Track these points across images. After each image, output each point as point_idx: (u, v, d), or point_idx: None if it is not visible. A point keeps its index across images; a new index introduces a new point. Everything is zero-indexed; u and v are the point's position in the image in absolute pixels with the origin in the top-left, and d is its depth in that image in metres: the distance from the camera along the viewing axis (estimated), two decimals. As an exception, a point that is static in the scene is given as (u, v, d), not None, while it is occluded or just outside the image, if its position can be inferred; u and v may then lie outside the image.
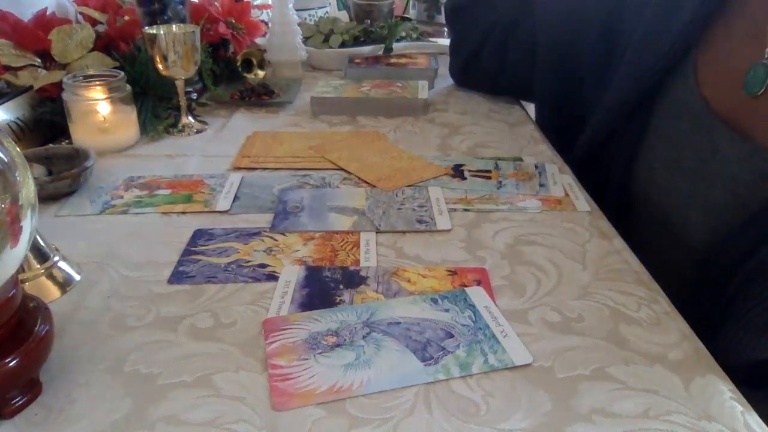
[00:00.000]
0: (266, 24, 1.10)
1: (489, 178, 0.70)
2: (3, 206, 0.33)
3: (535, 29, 0.85)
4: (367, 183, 0.68)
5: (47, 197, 0.63)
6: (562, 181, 0.69)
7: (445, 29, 1.28)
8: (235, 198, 0.65)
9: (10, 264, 0.35)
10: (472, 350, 0.43)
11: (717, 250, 0.59)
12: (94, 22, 0.89)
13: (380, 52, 1.13)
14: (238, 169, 0.72)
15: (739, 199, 0.58)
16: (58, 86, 0.75)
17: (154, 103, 0.83)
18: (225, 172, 0.71)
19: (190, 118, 0.84)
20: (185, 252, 0.55)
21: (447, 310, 0.47)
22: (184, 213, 0.62)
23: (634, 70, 0.68)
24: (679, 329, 0.46)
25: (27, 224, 0.35)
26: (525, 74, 0.88)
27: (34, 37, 0.79)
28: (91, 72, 0.76)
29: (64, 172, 0.64)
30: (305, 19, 1.28)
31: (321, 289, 0.50)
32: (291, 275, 0.52)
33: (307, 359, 0.42)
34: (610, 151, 0.72)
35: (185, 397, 0.39)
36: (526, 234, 0.59)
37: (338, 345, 0.44)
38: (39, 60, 0.80)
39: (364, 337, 0.44)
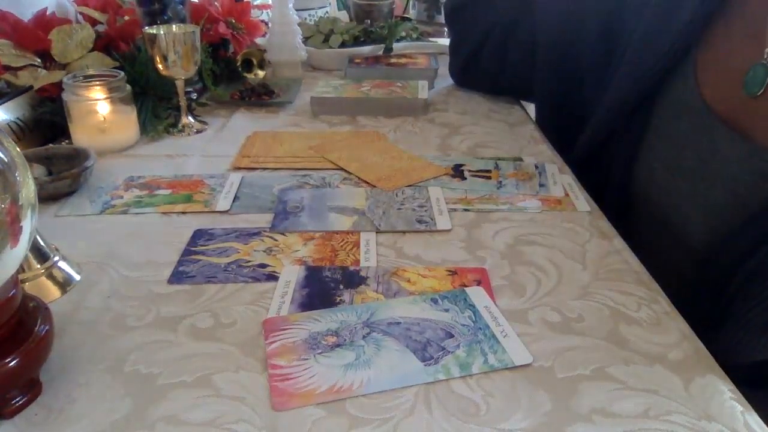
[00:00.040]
0: (266, 24, 1.10)
1: (489, 178, 0.70)
2: (3, 206, 0.33)
3: (535, 29, 0.85)
4: (367, 183, 0.68)
5: (47, 197, 0.63)
6: (562, 181, 0.69)
7: (445, 29, 1.28)
8: (235, 198, 0.65)
9: (10, 264, 0.35)
10: (472, 350, 0.43)
11: (717, 250, 0.59)
12: (94, 22, 0.89)
13: (380, 52, 1.14)
14: (238, 169, 0.72)
15: (739, 199, 0.58)
16: (58, 86, 0.75)
17: (154, 103, 0.83)
18: (225, 172, 0.71)
19: (190, 118, 0.84)
20: (185, 252, 0.55)
21: (447, 310, 0.47)
22: (184, 213, 0.62)
23: (634, 70, 0.68)
24: (679, 329, 0.46)
25: (27, 224, 0.35)
26: (525, 74, 0.88)
27: (34, 37, 0.79)
28: (91, 72, 0.76)
29: (64, 172, 0.64)
30: (305, 19, 1.28)
31: (321, 289, 0.50)
32: (291, 275, 0.52)
33: (307, 359, 0.42)
34: (610, 151, 0.72)
35: (185, 397, 0.39)
36: (526, 234, 0.59)
37: (338, 345, 0.44)
38: (39, 60, 0.80)
39: (364, 337, 0.44)
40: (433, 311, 0.47)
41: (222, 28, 0.98)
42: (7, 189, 0.34)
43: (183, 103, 0.82)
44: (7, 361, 0.36)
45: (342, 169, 0.72)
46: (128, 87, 0.77)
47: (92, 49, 0.83)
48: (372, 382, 0.40)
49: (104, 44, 0.85)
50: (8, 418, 0.38)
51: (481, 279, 0.51)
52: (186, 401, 0.39)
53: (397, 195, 0.65)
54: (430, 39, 1.24)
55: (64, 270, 0.51)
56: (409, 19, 1.34)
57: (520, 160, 0.75)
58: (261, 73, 1.00)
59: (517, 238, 0.58)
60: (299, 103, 0.94)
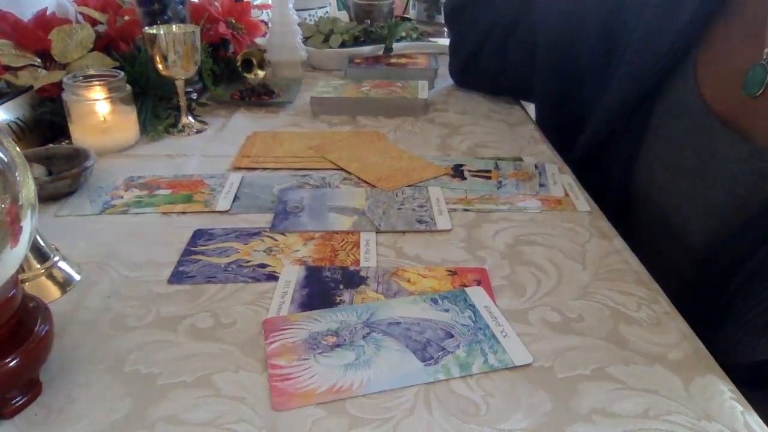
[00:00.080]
0: (266, 24, 1.10)
1: (489, 178, 0.70)
2: (3, 206, 0.33)
3: (535, 29, 0.85)
4: (367, 183, 0.68)
5: (47, 197, 0.63)
6: (562, 181, 0.69)
7: (445, 29, 1.28)
8: (235, 198, 0.65)
9: (10, 264, 0.35)
10: (472, 350, 0.43)
11: (717, 250, 0.59)
12: (94, 22, 0.89)
13: (380, 52, 1.13)
14: (238, 169, 0.72)
15: (739, 200, 0.58)
16: (58, 86, 0.75)
17: (154, 103, 0.83)
18: (225, 172, 0.71)
19: (190, 118, 0.84)
20: (185, 252, 0.55)
21: (447, 310, 0.47)
22: (184, 213, 0.62)
23: (634, 70, 0.68)
24: (679, 329, 0.46)
25: (27, 224, 0.35)
26: (525, 74, 0.88)
27: (34, 37, 0.79)
28: (91, 72, 0.76)
29: (64, 172, 0.64)
30: (305, 19, 1.28)
31: (321, 289, 0.50)
32: (291, 275, 0.52)
33: (307, 359, 0.42)
34: (610, 151, 0.72)
35: (185, 397, 0.39)
36: (526, 234, 0.59)
37: (338, 345, 0.44)
38: (39, 60, 0.80)
39: (364, 337, 0.44)
40: (433, 311, 0.47)
41: (222, 28, 0.98)
42: (7, 189, 0.34)
43: (183, 103, 0.82)
44: (7, 361, 0.36)
45: (342, 169, 0.72)
46: (128, 87, 0.77)
47: (92, 49, 0.83)
48: (372, 382, 0.40)
49: (104, 44, 0.85)
50: (8, 418, 0.38)
51: (481, 279, 0.51)
52: (186, 401, 0.39)
53: (397, 195, 0.65)
54: (430, 39, 1.24)
55: (64, 270, 0.51)
56: (409, 19, 1.34)
57: (520, 160, 0.75)
58: (261, 73, 1.00)
59: (517, 238, 0.58)
60: (299, 103, 0.94)
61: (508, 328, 0.45)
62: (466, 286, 0.50)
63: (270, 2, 1.10)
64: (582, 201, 0.65)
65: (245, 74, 0.99)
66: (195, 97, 0.91)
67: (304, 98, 0.94)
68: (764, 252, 0.54)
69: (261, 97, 0.94)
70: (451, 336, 0.44)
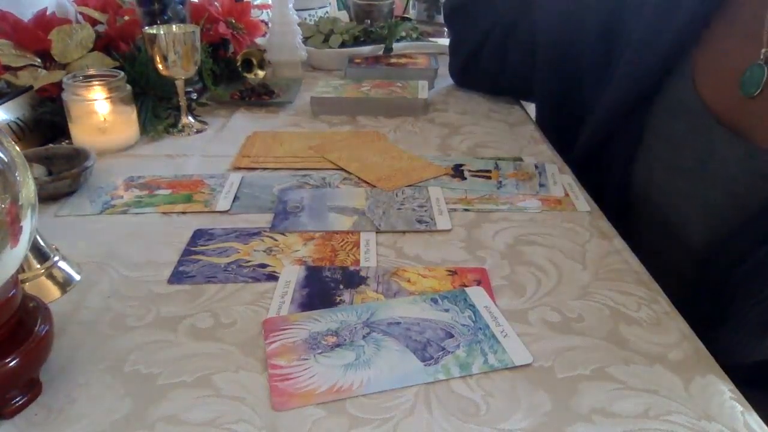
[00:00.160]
0: (266, 24, 1.10)
1: (489, 178, 0.70)
2: (3, 206, 0.33)
3: (535, 29, 0.85)
4: (367, 183, 0.68)
5: (47, 197, 0.63)
6: (562, 181, 0.69)
7: (445, 29, 1.28)
8: (235, 198, 0.65)
9: (10, 264, 0.35)
10: (472, 350, 0.43)
11: (717, 250, 0.59)
12: (94, 22, 0.89)
13: (380, 52, 1.13)
14: (238, 169, 0.72)
15: (738, 200, 0.58)
16: (58, 86, 0.75)
17: (154, 103, 0.83)
18: (225, 172, 0.71)
19: (190, 118, 0.84)
20: (185, 252, 0.55)
21: (447, 310, 0.47)
22: (184, 213, 0.62)
23: (633, 70, 0.68)
24: (679, 329, 0.46)
25: (27, 224, 0.35)
26: (525, 74, 0.88)
27: (34, 37, 0.79)
28: (91, 72, 0.76)
29: (64, 172, 0.64)
30: (305, 19, 1.28)
31: (321, 289, 0.50)
32: (291, 275, 0.52)
33: (307, 359, 0.42)
34: (609, 152, 0.72)
35: (185, 397, 0.39)
36: (526, 234, 0.59)
37: (338, 345, 0.44)
38: (39, 60, 0.80)
39: (364, 337, 0.44)
40: (433, 311, 0.47)
41: (222, 28, 0.98)
42: (7, 189, 0.34)
43: (183, 103, 0.82)
44: (7, 361, 0.36)
45: (342, 169, 0.72)
46: (128, 87, 0.77)
47: (92, 49, 0.83)
48: (372, 382, 0.40)
49: (104, 44, 0.85)
50: (8, 418, 0.38)
51: (481, 279, 0.51)
52: (186, 401, 0.39)
53: (397, 195, 0.65)
54: (430, 39, 1.24)
55: (64, 270, 0.51)
56: (409, 19, 1.34)
57: (520, 160, 0.75)
58: (261, 73, 1.00)
59: (517, 238, 0.58)
60: (299, 103, 0.94)
61: (508, 328, 0.45)
62: (466, 286, 0.50)
63: (270, 2, 1.10)
64: (582, 201, 0.65)
65: (245, 74, 0.99)
66: (195, 97, 0.91)
67: (304, 98, 0.94)
68: (764, 251, 0.54)
69: (261, 97, 0.94)
70: (451, 336, 0.44)
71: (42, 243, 0.50)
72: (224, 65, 0.99)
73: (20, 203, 0.35)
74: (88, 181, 0.67)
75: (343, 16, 1.38)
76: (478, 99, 0.96)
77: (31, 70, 0.78)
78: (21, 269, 0.47)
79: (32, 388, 0.39)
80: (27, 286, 0.48)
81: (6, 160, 0.35)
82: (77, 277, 0.51)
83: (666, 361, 0.43)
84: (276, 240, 0.57)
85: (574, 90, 0.80)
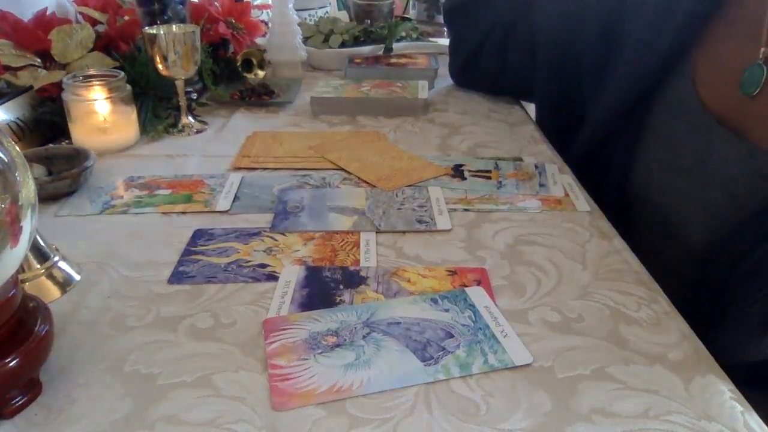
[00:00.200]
0: (266, 24, 1.10)
1: (489, 178, 0.70)
2: (3, 206, 0.33)
3: (535, 29, 0.85)
4: (367, 183, 0.68)
5: (47, 197, 0.63)
6: (562, 181, 0.69)
7: (445, 29, 1.28)
8: (235, 198, 0.65)
9: (10, 264, 0.35)
10: (472, 350, 0.43)
11: (717, 250, 0.59)
12: (94, 22, 0.89)
13: (380, 52, 1.13)
14: (238, 169, 0.72)
15: (737, 200, 0.58)
16: (58, 86, 0.75)
17: (154, 103, 0.83)
18: (225, 172, 0.71)
19: (190, 118, 0.84)
20: (185, 252, 0.55)
21: (447, 310, 0.47)
22: (184, 213, 0.62)
23: (632, 69, 0.68)
24: (679, 329, 0.46)
25: (27, 224, 0.35)
26: (525, 74, 0.88)
27: (34, 37, 0.79)
28: (91, 72, 0.76)
29: (64, 172, 0.64)
30: (305, 19, 1.28)
31: (321, 289, 0.50)
32: (291, 275, 0.52)
33: (307, 359, 0.42)
34: (608, 152, 0.72)
35: (185, 397, 0.39)
36: (526, 234, 0.59)
37: (338, 345, 0.44)
38: (39, 60, 0.80)
39: (364, 337, 0.44)
40: (433, 311, 0.47)
41: (222, 28, 0.98)
42: (7, 189, 0.34)
43: (183, 103, 0.82)
44: (7, 361, 0.36)
45: (342, 169, 0.72)
46: (128, 87, 0.77)
47: (92, 49, 0.83)
48: (372, 382, 0.40)
49: (104, 44, 0.85)
50: (8, 418, 0.38)
51: (481, 279, 0.51)
52: (186, 401, 0.39)
53: (397, 195, 0.65)
54: (430, 39, 1.24)
55: (64, 270, 0.51)
56: (409, 19, 1.34)
57: (520, 160, 0.75)
58: (261, 73, 1.00)
59: (517, 238, 0.58)
60: (299, 103, 0.94)
61: (508, 328, 0.45)
62: (466, 286, 0.50)
63: (270, 2, 1.10)
64: (582, 201, 0.65)
65: (245, 74, 0.99)
66: (195, 97, 0.91)
67: (304, 98, 0.94)
68: (763, 250, 0.54)
69: (261, 97, 0.94)
70: (451, 336, 0.44)
71: (42, 243, 0.50)
72: (224, 65, 0.99)
73: (20, 203, 0.35)
74: (88, 181, 0.67)
75: (343, 16, 1.38)
76: (478, 99, 0.96)
77: (31, 70, 0.78)
78: (21, 269, 0.47)
79: (32, 388, 0.39)
80: (27, 286, 0.48)
81: (6, 160, 0.35)
82: (77, 277, 0.51)
83: (666, 361, 0.43)
84: (276, 240, 0.57)
85: (574, 90, 0.80)
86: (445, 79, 1.04)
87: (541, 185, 0.68)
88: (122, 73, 0.76)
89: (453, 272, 0.52)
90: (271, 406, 0.39)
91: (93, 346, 0.44)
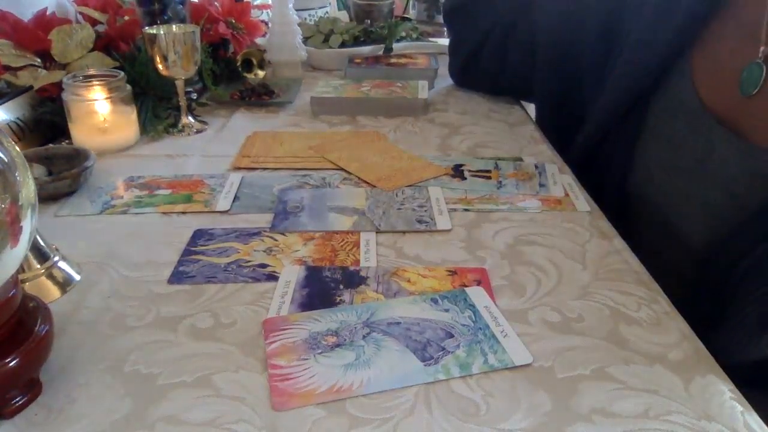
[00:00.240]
0: (266, 24, 1.10)
1: (489, 178, 0.70)
2: (3, 206, 0.33)
3: (535, 29, 0.85)
4: (367, 183, 0.68)
5: (47, 197, 0.63)
6: (562, 181, 0.69)
7: (445, 29, 1.28)
8: (235, 198, 0.65)
9: (10, 264, 0.35)
10: (472, 350, 0.43)
11: (716, 250, 0.59)
12: (94, 22, 0.89)
13: (380, 52, 1.13)
14: (238, 169, 0.72)
15: (737, 200, 0.58)
16: (58, 86, 0.75)
17: (154, 103, 0.83)
18: (225, 172, 0.71)
19: (190, 118, 0.84)
20: (185, 252, 0.55)
21: (447, 310, 0.47)
22: (184, 213, 0.62)
23: (632, 69, 0.68)
24: (679, 329, 0.46)
25: (27, 224, 0.35)
26: (525, 74, 0.88)
27: (34, 37, 0.79)
28: (91, 72, 0.76)
29: (64, 172, 0.64)
30: (305, 19, 1.28)
31: (321, 289, 0.50)
32: (291, 275, 0.52)
33: (307, 359, 0.42)
34: (607, 151, 0.72)
35: (185, 397, 0.39)
36: (526, 234, 0.59)
37: (338, 345, 0.44)
38: (39, 60, 0.80)
39: (364, 337, 0.44)
40: (433, 311, 0.47)
41: (222, 28, 0.98)
42: (7, 189, 0.34)
43: (183, 103, 0.82)
44: (7, 361, 0.36)
45: (342, 169, 0.72)
46: (128, 87, 0.77)
47: (92, 49, 0.83)
48: (372, 382, 0.40)
49: (104, 44, 0.85)
50: (8, 418, 0.38)
51: (481, 279, 0.51)
52: (186, 401, 0.39)
53: (397, 195, 0.65)
54: (430, 39, 1.24)
55: (64, 270, 0.51)
56: (409, 19, 1.34)
57: (520, 160, 0.75)
58: (261, 73, 1.00)
59: (517, 238, 0.58)
60: (299, 103, 0.94)
61: (508, 328, 0.45)
62: (466, 286, 0.50)
63: (270, 2, 1.10)
64: (582, 201, 0.65)
65: (245, 74, 0.99)
66: (195, 97, 0.91)
67: (304, 98, 0.94)
68: (762, 250, 0.54)
69: (261, 97, 0.94)
70: (451, 336, 0.44)
71: (42, 243, 0.50)
72: (224, 65, 0.99)
73: (20, 203, 0.35)
74: (88, 181, 0.67)
75: (343, 16, 1.38)
76: (478, 99, 0.96)
77: (31, 70, 0.78)
78: (21, 269, 0.47)
79: (32, 388, 0.39)
80: (27, 286, 0.48)
81: (6, 160, 0.35)
82: (77, 277, 0.51)
83: (666, 361, 0.43)
84: (276, 240, 0.57)
85: (574, 90, 0.80)
86: (445, 79, 1.04)
87: (541, 185, 0.68)
88: (122, 73, 0.76)
89: (453, 272, 0.52)
90: (271, 406, 0.39)
91: (93, 346, 0.44)
